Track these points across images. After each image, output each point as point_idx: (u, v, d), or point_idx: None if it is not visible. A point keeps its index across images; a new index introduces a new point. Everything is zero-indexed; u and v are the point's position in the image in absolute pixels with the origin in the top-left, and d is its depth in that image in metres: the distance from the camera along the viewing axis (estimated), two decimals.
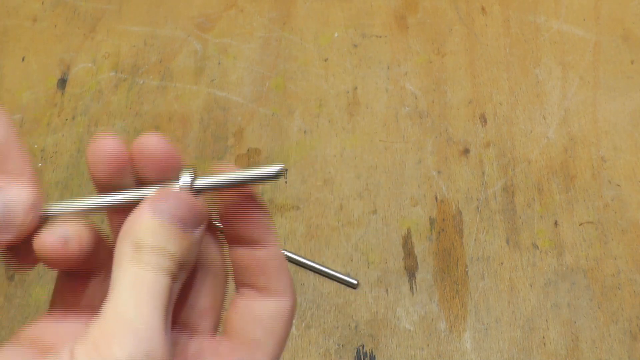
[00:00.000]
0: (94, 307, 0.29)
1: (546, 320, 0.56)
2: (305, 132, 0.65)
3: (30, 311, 0.57)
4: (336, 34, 0.71)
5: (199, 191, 0.28)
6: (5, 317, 0.57)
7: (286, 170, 0.63)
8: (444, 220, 0.60)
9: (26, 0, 0.74)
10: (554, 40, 0.70)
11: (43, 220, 0.28)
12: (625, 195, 0.61)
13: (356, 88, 0.67)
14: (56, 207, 0.28)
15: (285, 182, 0.62)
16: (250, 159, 0.64)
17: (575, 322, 0.56)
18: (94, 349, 0.23)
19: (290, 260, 0.58)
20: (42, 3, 0.74)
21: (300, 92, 0.67)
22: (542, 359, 0.54)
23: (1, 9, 0.73)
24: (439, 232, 0.60)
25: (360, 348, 0.55)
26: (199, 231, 0.27)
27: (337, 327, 0.56)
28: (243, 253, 0.30)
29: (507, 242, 0.59)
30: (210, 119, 0.66)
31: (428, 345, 0.55)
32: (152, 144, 0.27)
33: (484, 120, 0.65)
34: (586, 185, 0.62)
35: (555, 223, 0.60)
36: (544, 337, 0.55)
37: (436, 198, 0.61)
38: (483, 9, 0.72)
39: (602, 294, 0.57)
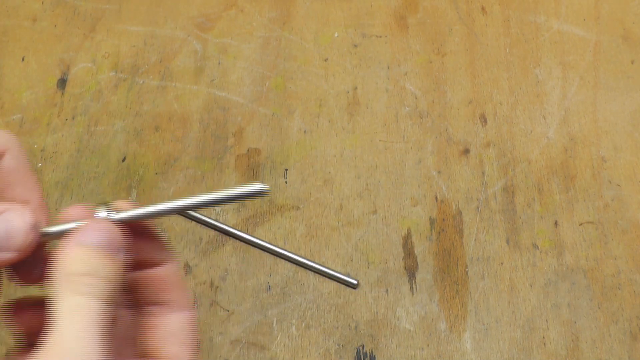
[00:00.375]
0: None
1: (546, 321, 0.56)
2: (305, 132, 0.65)
3: None
4: (336, 34, 0.71)
5: (124, 222, 0.30)
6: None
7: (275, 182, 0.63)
8: (444, 220, 0.60)
9: (26, 0, 0.74)
10: (554, 40, 0.70)
11: (43, 241, 0.31)
12: (625, 195, 0.61)
13: (356, 88, 0.67)
14: (54, 228, 0.31)
15: (286, 182, 0.62)
16: (250, 159, 0.64)
17: (575, 322, 0.56)
18: None
19: (291, 260, 0.58)
20: (42, 3, 0.74)
21: (300, 92, 0.67)
22: (542, 359, 0.54)
23: (1, 9, 0.73)
24: (439, 232, 0.60)
25: (360, 348, 0.55)
26: (122, 254, 0.29)
27: (337, 327, 0.56)
28: (146, 274, 0.32)
29: (507, 242, 0.59)
30: (210, 119, 0.66)
31: (428, 345, 0.55)
32: (73, 214, 0.30)
33: (484, 120, 0.65)
34: (586, 185, 0.62)
35: (555, 223, 0.60)
36: (544, 337, 0.55)
37: (436, 198, 0.61)
38: (483, 8, 0.72)
39: (602, 294, 0.57)
